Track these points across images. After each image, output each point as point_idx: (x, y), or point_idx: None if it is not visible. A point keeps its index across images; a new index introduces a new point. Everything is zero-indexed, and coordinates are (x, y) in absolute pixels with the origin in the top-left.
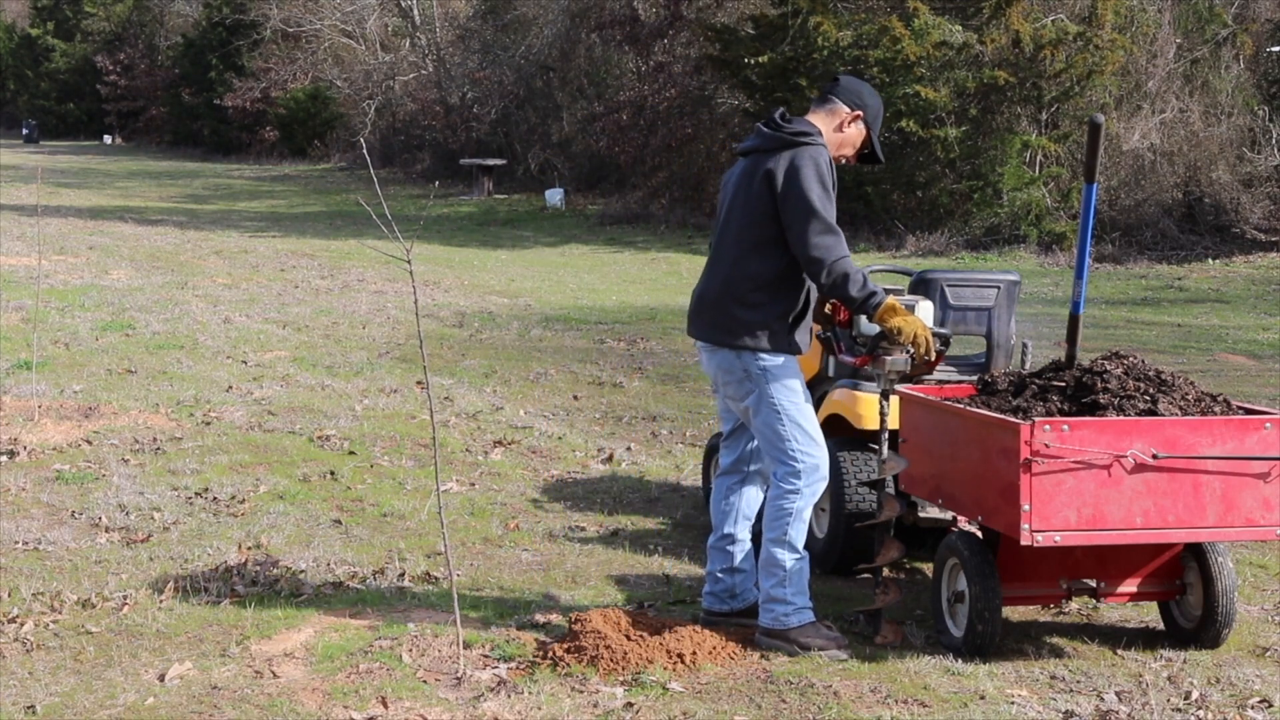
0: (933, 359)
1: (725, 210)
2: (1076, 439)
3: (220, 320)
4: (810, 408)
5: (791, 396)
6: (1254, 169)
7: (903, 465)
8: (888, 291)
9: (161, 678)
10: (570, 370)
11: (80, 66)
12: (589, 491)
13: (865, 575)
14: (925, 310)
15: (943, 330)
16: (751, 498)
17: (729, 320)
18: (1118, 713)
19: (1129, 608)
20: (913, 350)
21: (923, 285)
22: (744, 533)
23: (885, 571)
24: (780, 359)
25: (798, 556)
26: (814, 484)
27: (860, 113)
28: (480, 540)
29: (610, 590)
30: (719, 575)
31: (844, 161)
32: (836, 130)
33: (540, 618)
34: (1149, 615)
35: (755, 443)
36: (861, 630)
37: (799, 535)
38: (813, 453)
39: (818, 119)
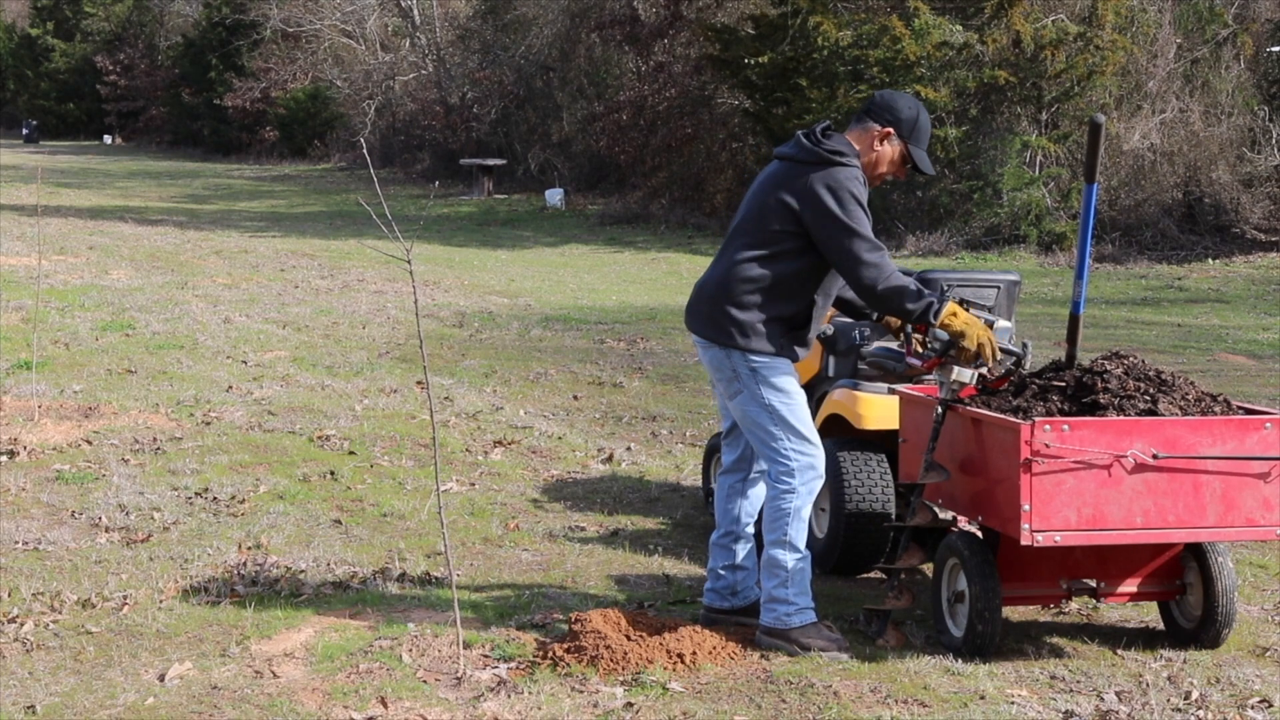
0: (992, 365)
1: (743, 209)
2: (1076, 439)
3: (220, 320)
4: (803, 406)
5: (780, 396)
6: (1254, 169)
7: (944, 477)
8: (967, 304)
9: (161, 678)
10: (570, 370)
11: (80, 66)
12: (589, 491)
13: (879, 575)
14: (1002, 329)
15: (1014, 349)
16: (755, 495)
17: (721, 318)
18: (1118, 713)
19: (1129, 608)
20: (980, 358)
21: (923, 285)
22: (743, 531)
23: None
24: (769, 360)
25: (799, 556)
26: (809, 482)
27: (890, 129)
28: (480, 540)
29: (610, 590)
30: (720, 572)
31: (888, 179)
32: (870, 150)
33: (540, 618)
34: (1149, 615)
35: None
36: (863, 629)
37: (799, 535)
38: (805, 450)
39: (853, 138)
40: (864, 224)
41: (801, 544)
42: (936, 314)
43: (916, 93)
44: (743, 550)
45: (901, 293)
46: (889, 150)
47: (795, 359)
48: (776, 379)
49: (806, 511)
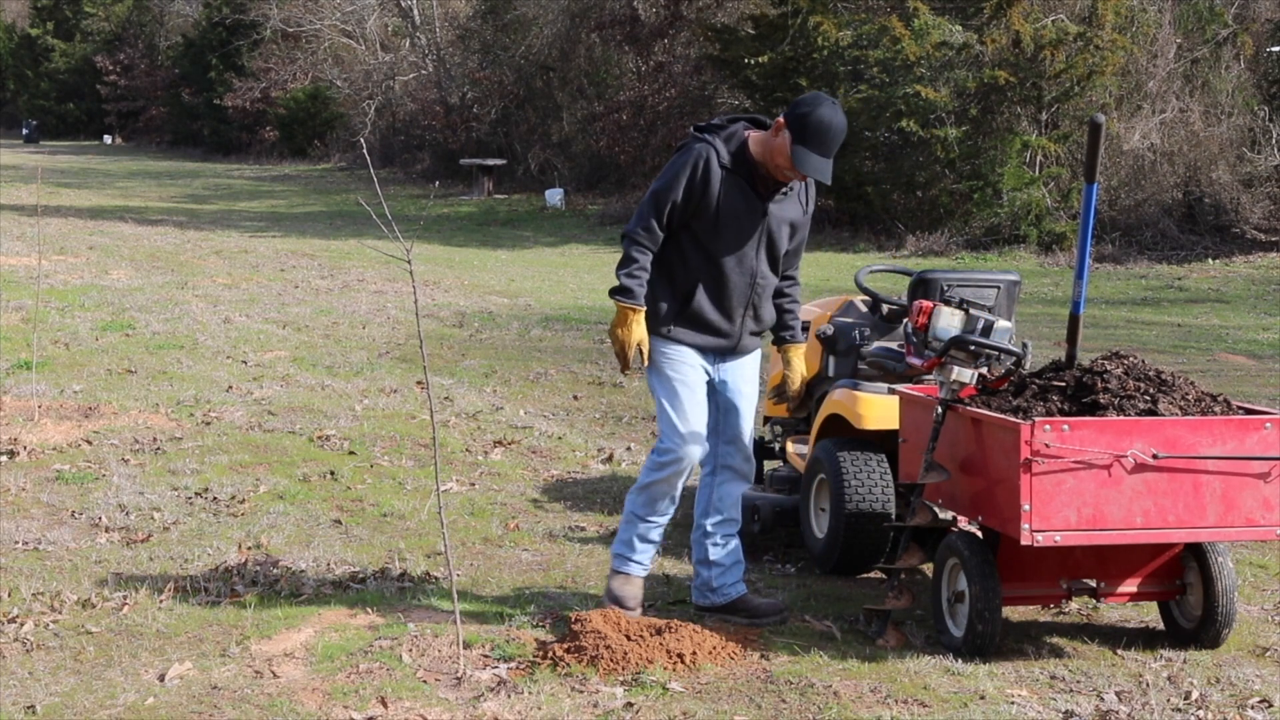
0: (623, 371)
1: None
2: (1076, 439)
3: (220, 320)
4: (684, 395)
5: (661, 380)
6: (1254, 169)
7: (944, 477)
8: (967, 304)
9: (161, 678)
10: (570, 370)
11: (80, 66)
12: (589, 491)
13: (879, 575)
14: (1002, 330)
15: (1014, 349)
16: (725, 492)
17: None
18: (1118, 713)
19: (1129, 608)
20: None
21: (922, 285)
22: (714, 525)
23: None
24: (659, 343)
25: (635, 514)
26: (668, 467)
27: (782, 120)
28: (480, 540)
29: None
30: (697, 567)
31: (789, 175)
32: (772, 140)
33: (540, 618)
34: (1149, 615)
35: (725, 437)
36: (863, 629)
37: (642, 500)
38: (673, 439)
39: (766, 130)
40: (661, 192)
41: (648, 512)
42: (613, 297)
43: (917, 93)
44: (713, 547)
45: (623, 259)
46: (779, 142)
47: (691, 344)
48: (662, 362)
49: (661, 490)
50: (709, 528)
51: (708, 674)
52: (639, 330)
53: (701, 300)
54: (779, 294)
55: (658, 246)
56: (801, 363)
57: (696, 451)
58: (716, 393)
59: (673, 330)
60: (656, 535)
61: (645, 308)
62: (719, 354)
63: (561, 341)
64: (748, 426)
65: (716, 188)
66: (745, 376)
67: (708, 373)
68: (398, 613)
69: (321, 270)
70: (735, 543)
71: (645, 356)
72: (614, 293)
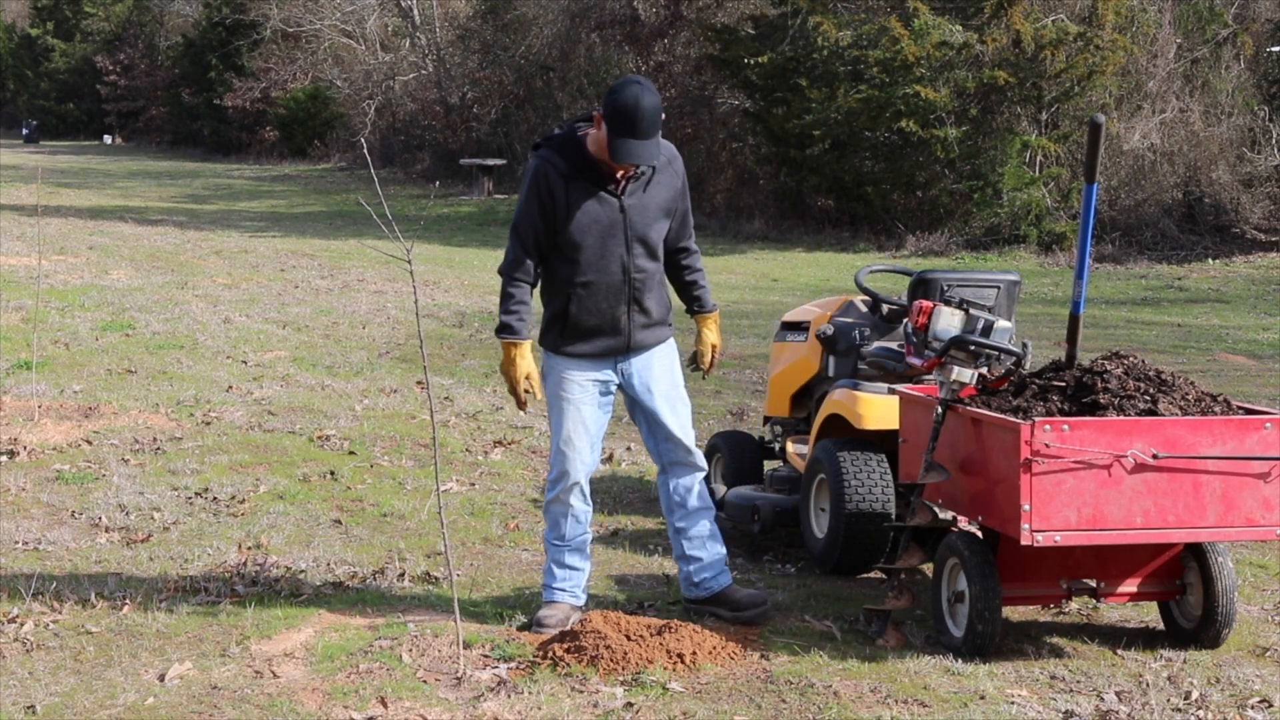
0: (521, 408)
1: None
2: (1076, 439)
3: (220, 320)
4: (571, 411)
5: (551, 400)
6: (1254, 169)
7: (944, 477)
8: (967, 304)
9: (161, 678)
10: None
11: (80, 66)
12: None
13: (879, 575)
14: (1002, 329)
15: (1014, 349)
16: (679, 485)
17: None
18: (1118, 713)
19: (1129, 608)
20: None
21: (922, 285)
22: (682, 521)
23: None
24: (552, 360)
25: (546, 539)
26: (557, 484)
27: (599, 113)
28: (480, 540)
29: (610, 590)
30: (678, 563)
31: (624, 169)
32: (598, 134)
33: None
34: (1149, 615)
35: (660, 435)
36: (863, 629)
37: (550, 527)
38: (558, 457)
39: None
40: (517, 223)
41: (554, 535)
42: (499, 336)
43: (917, 93)
44: (686, 542)
45: (502, 297)
46: (600, 134)
47: (582, 354)
48: (551, 378)
49: (558, 509)
50: (678, 524)
51: (708, 674)
52: (524, 364)
53: (577, 310)
54: (677, 268)
55: (533, 276)
56: (711, 333)
57: (576, 466)
58: (631, 396)
59: (561, 346)
60: (573, 559)
61: (529, 341)
62: (616, 356)
63: None
64: (678, 419)
65: (563, 199)
66: (655, 374)
67: (610, 380)
68: (398, 613)
69: (321, 270)
70: (714, 536)
71: (537, 389)
72: (497, 332)
